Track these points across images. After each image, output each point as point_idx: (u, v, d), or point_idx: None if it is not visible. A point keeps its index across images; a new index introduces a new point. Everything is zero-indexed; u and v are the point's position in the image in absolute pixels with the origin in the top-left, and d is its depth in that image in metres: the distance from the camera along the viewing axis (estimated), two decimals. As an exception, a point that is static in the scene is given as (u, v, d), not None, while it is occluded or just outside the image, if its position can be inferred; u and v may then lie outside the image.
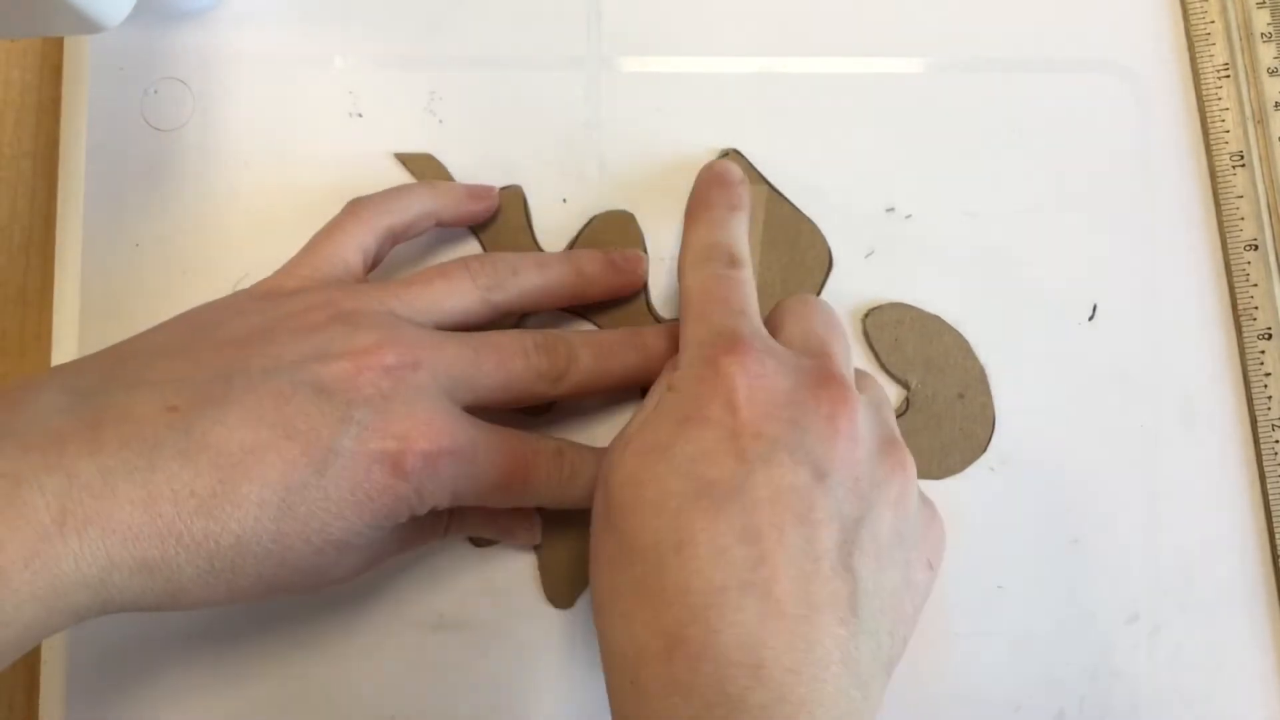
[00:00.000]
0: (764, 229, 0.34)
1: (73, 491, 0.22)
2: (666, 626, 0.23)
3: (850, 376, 0.27)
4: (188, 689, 0.32)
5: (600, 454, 0.29)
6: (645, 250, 0.34)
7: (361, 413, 0.25)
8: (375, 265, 0.31)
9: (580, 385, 0.29)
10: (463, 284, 0.29)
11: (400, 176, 0.34)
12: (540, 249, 0.33)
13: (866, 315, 0.34)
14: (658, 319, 0.33)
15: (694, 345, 0.27)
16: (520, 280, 0.30)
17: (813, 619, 0.23)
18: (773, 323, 0.29)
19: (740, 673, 0.22)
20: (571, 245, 0.33)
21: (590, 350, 0.30)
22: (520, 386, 0.28)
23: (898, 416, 0.33)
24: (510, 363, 0.28)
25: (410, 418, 0.25)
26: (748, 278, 0.29)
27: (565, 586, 0.32)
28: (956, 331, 0.34)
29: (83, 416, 0.23)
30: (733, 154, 0.34)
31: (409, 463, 0.25)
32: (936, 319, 0.34)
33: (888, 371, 0.33)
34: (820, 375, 0.26)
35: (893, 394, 0.34)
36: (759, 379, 0.25)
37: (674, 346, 0.29)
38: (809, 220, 0.34)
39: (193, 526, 0.23)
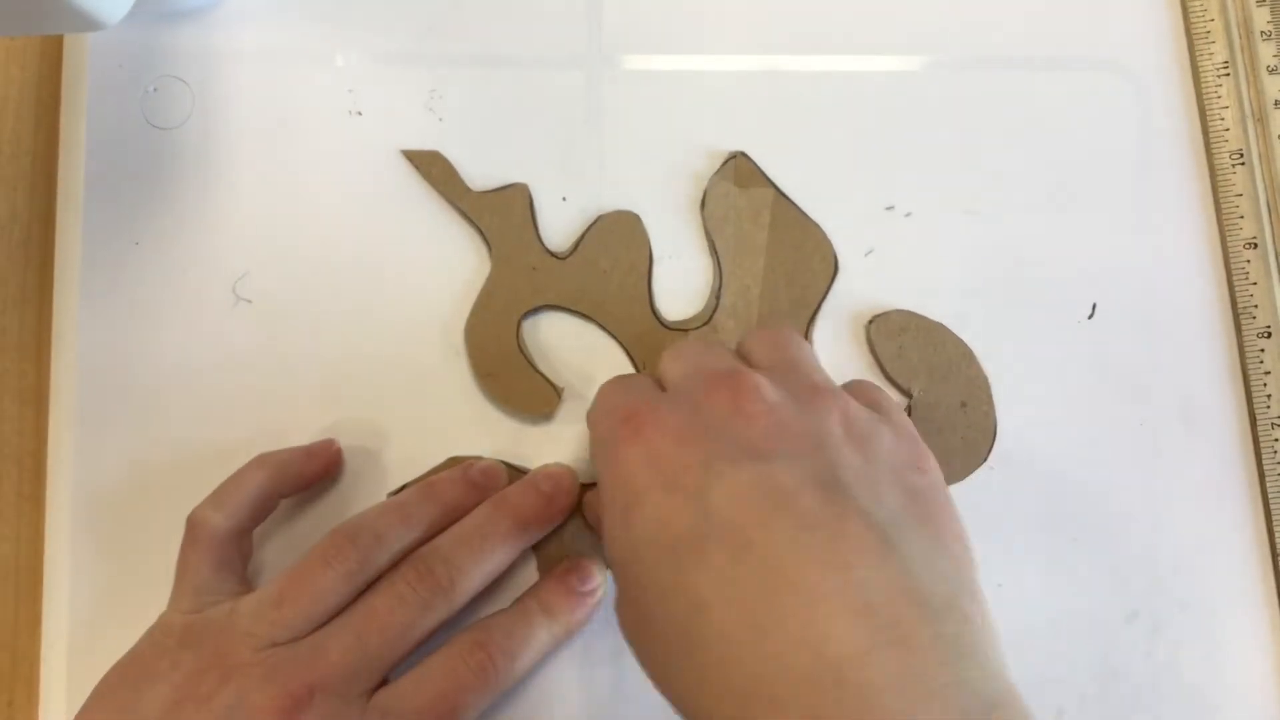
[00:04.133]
0: (770, 232, 0.34)
1: None
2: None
3: (735, 363, 0.28)
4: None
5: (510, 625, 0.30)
6: (650, 250, 0.34)
7: None
8: (248, 556, 0.31)
9: (474, 584, 0.29)
10: (328, 579, 0.28)
11: (405, 173, 0.34)
12: (545, 247, 0.34)
13: (871, 322, 0.33)
14: (663, 323, 0.33)
15: (595, 443, 0.28)
16: (389, 544, 0.29)
17: (849, 576, 0.22)
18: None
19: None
20: (577, 245, 0.33)
21: (461, 545, 0.29)
22: (417, 632, 0.28)
23: None
24: (392, 619, 0.28)
25: None
26: None
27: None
28: (960, 340, 0.34)
29: None
30: (740, 156, 0.34)
31: None
32: (940, 327, 0.34)
33: (890, 379, 0.33)
34: (705, 382, 0.26)
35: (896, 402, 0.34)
36: (658, 430, 0.25)
37: (540, 507, 0.30)
38: (815, 224, 0.34)
39: None
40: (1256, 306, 0.34)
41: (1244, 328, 0.34)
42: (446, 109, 0.34)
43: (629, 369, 0.33)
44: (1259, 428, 0.34)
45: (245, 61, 0.34)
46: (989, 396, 0.33)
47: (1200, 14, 0.36)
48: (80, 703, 0.28)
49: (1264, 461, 0.33)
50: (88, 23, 0.27)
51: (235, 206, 0.33)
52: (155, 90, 0.34)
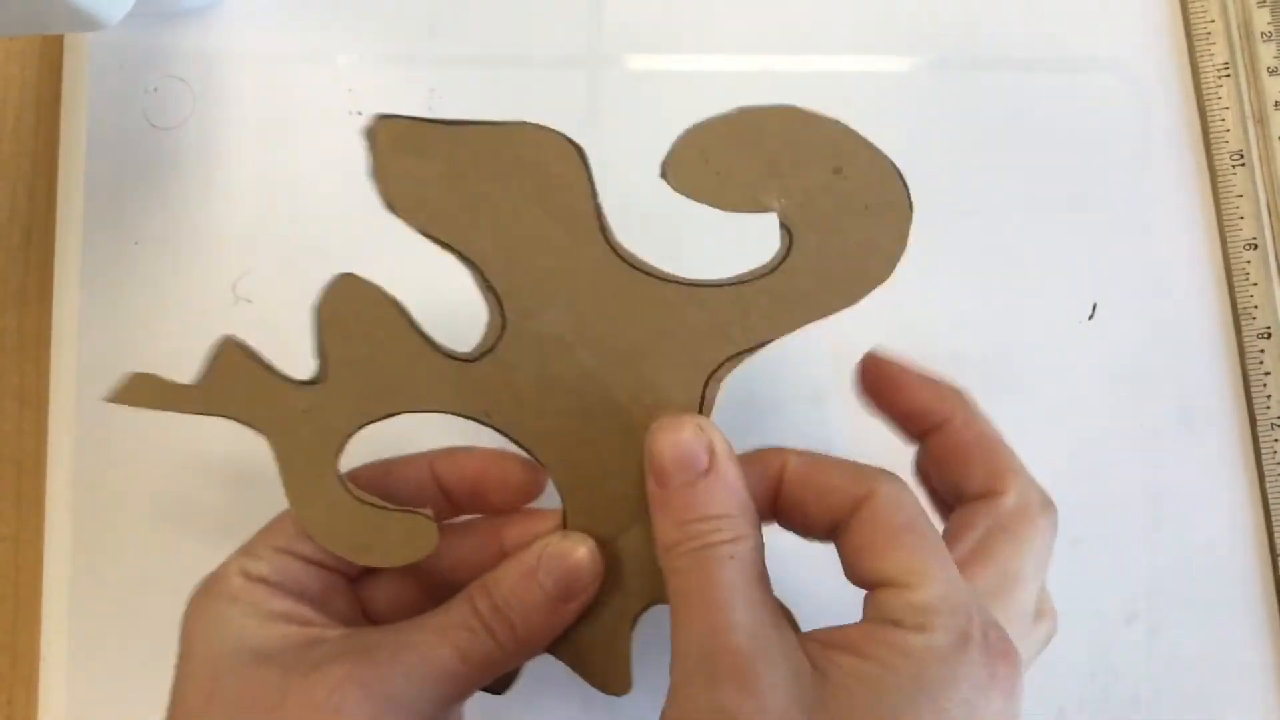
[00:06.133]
0: (501, 185, 0.25)
1: None
2: None
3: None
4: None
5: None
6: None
7: None
8: None
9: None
10: None
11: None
12: (289, 380, 0.27)
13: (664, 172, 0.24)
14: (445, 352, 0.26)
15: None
16: None
17: None
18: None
19: None
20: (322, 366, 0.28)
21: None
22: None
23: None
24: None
25: None
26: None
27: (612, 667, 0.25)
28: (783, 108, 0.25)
29: None
30: (378, 119, 0.25)
31: None
32: (742, 111, 0.25)
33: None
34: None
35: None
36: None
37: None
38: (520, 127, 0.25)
39: None
40: (1256, 307, 0.34)
41: (1244, 328, 0.34)
42: (446, 108, 0.34)
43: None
44: (1259, 428, 0.34)
45: (245, 61, 0.34)
46: (867, 145, 0.23)
47: (1200, 15, 0.35)
48: (79, 703, 0.27)
49: (1264, 462, 0.33)
50: (88, 22, 0.27)
51: (235, 206, 0.33)
52: (155, 90, 0.34)
